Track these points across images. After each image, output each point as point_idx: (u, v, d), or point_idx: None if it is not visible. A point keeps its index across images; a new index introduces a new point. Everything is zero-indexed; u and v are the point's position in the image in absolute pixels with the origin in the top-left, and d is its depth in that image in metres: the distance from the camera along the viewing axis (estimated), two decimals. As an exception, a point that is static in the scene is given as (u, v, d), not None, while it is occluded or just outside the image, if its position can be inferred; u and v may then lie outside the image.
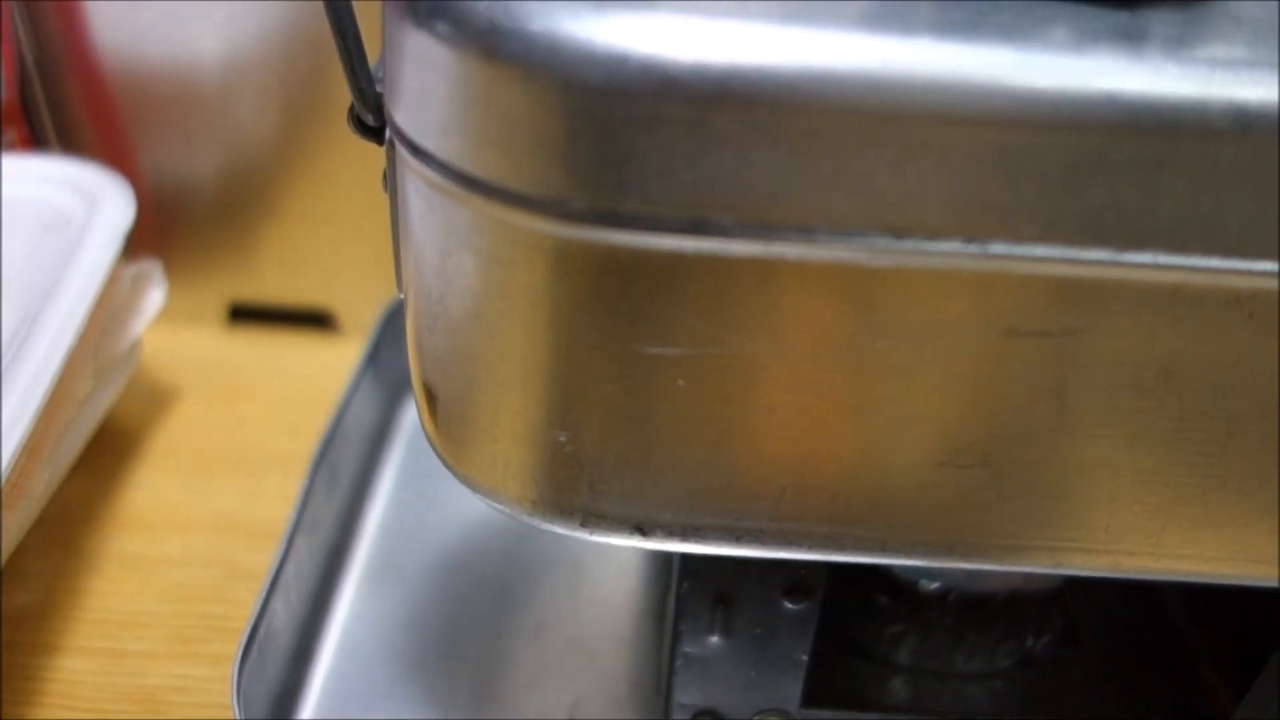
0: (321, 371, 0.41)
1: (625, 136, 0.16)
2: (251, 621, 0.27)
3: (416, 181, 0.19)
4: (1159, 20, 0.16)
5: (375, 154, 0.37)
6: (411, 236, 0.20)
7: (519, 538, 0.35)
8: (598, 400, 0.19)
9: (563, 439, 0.20)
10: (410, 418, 0.39)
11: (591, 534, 0.21)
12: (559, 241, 0.17)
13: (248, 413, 0.39)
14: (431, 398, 0.22)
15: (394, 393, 0.39)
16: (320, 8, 0.19)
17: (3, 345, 0.28)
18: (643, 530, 0.21)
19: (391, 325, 0.38)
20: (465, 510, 0.36)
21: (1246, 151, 0.16)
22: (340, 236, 0.42)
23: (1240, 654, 0.29)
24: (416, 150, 0.18)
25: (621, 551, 0.35)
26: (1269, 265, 0.17)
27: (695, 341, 0.18)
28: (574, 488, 0.20)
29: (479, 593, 0.33)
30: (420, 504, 0.36)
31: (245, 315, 0.43)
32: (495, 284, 0.18)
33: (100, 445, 0.36)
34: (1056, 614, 0.29)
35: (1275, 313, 0.17)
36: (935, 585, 0.27)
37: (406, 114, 0.18)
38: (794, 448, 0.19)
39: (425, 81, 0.17)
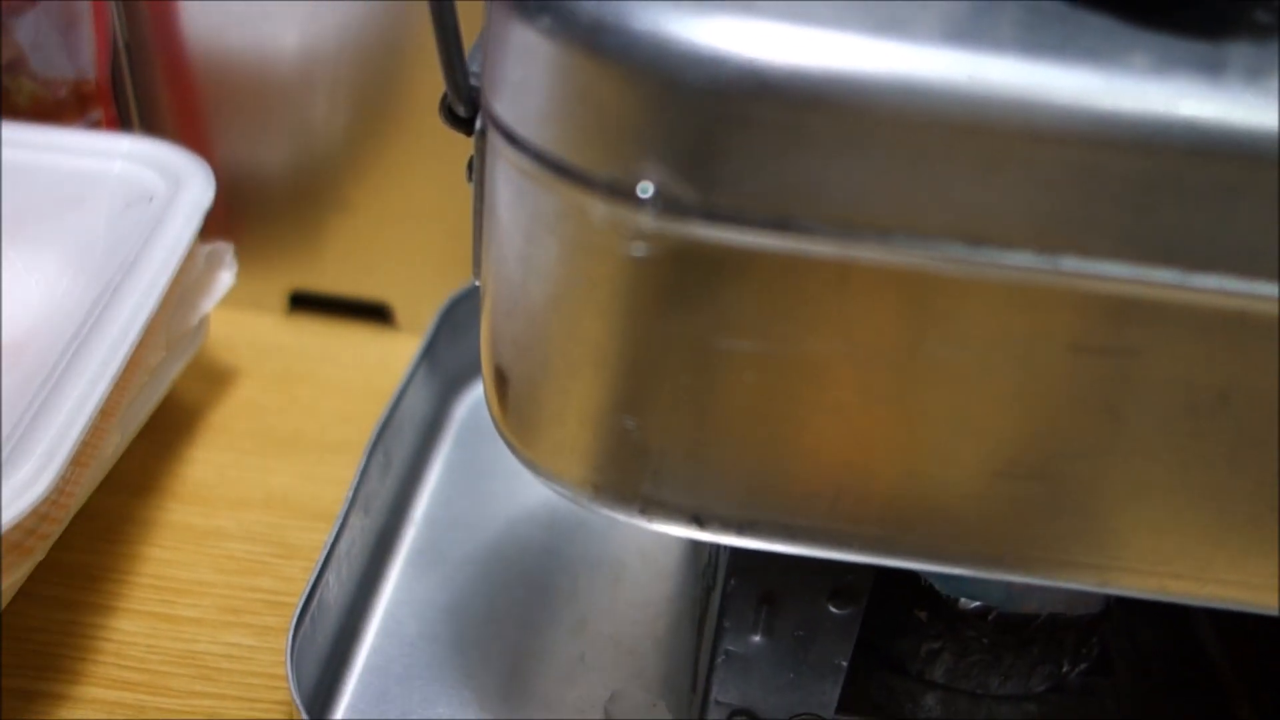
0: (376, 363, 0.42)
1: (719, 135, 0.17)
2: (307, 590, 0.27)
3: (509, 169, 0.20)
4: (1238, 51, 0.17)
5: (443, 154, 0.38)
6: (497, 223, 0.21)
7: (562, 536, 0.36)
8: (668, 389, 0.20)
9: (630, 425, 0.20)
10: (460, 413, 0.40)
11: (649, 521, 0.22)
12: (641, 230, 0.18)
13: (304, 398, 0.40)
14: (502, 381, 0.22)
15: (447, 388, 0.40)
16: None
17: (86, 310, 0.29)
18: (700, 521, 0.21)
19: (448, 322, 0.39)
20: (511, 507, 0.37)
21: (1317, 182, 0.16)
22: (403, 233, 0.43)
23: (1272, 688, 0.29)
24: (513, 139, 0.19)
25: (661, 555, 0.35)
26: (1334, 295, 0.17)
27: (768, 338, 0.19)
28: (636, 474, 0.21)
29: (520, 586, 0.34)
30: (468, 498, 0.37)
31: (305, 304, 0.45)
32: (577, 270, 0.19)
33: (162, 419, 0.37)
34: (1095, 641, 0.29)
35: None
36: (976, 604, 0.27)
37: (506, 104, 0.19)
38: (854, 449, 0.20)
39: (528, 73, 0.18)
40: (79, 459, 0.27)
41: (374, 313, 0.44)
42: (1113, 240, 0.17)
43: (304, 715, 0.25)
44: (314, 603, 0.27)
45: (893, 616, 0.29)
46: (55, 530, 0.27)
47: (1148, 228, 0.17)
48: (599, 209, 0.18)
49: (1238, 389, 0.18)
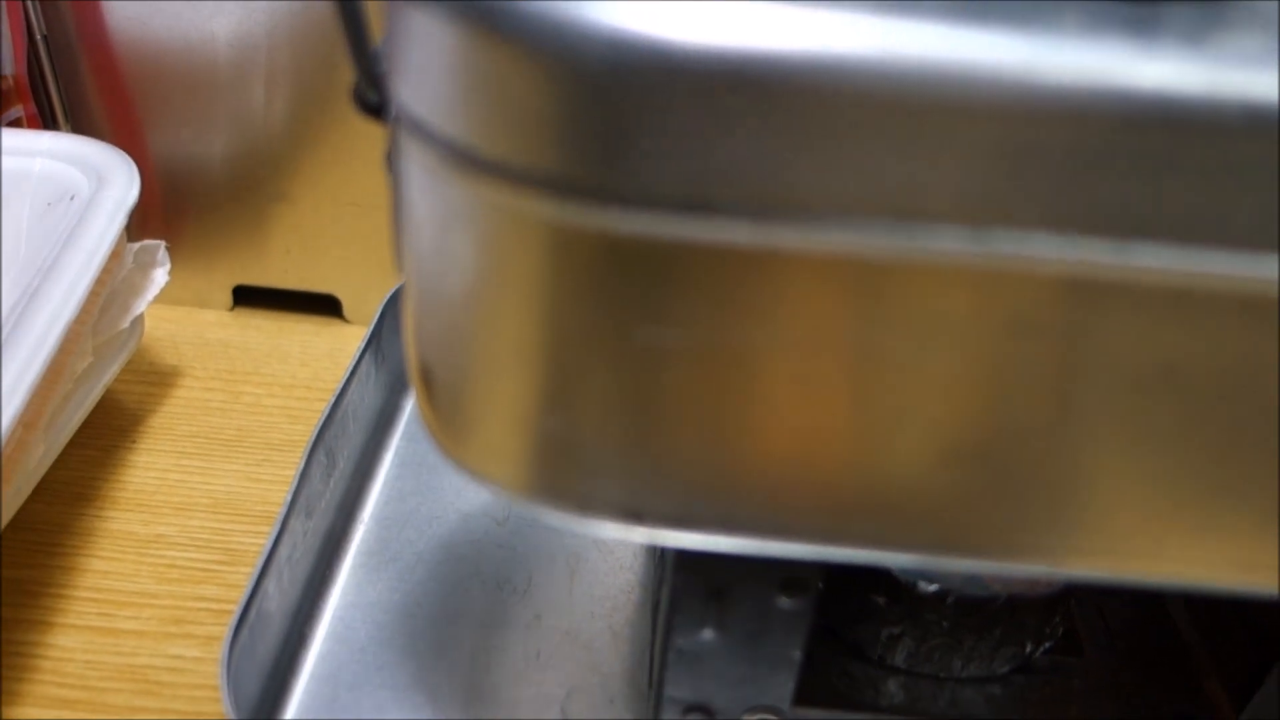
0: (324, 357, 0.41)
1: (627, 118, 0.16)
2: (243, 602, 0.26)
3: (418, 159, 0.18)
4: (1173, 14, 0.16)
5: (384, 141, 0.36)
6: (412, 215, 0.20)
7: (517, 530, 0.35)
8: (593, 385, 0.19)
9: (557, 424, 0.19)
10: (412, 405, 0.39)
11: (585, 520, 0.21)
12: (558, 222, 0.17)
13: (248, 396, 0.39)
14: (428, 380, 0.21)
15: (396, 380, 0.39)
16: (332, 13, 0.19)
17: (3, 317, 0.28)
18: (638, 517, 0.20)
19: (393, 313, 0.38)
20: (464, 501, 0.36)
21: (1256, 148, 0.15)
22: (348, 223, 0.42)
23: (1243, 665, 0.28)
24: (418, 127, 0.18)
25: (619, 546, 0.35)
26: (1273, 265, 0.16)
27: (693, 328, 0.18)
28: (567, 473, 0.20)
29: (474, 583, 0.33)
30: (419, 493, 0.36)
31: (250, 298, 0.43)
32: (493, 264, 0.18)
33: (100, 423, 0.36)
34: (1058, 621, 0.28)
35: (1278, 315, 0.17)
36: (934, 587, 0.27)
37: (409, 91, 0.18)
38: (791, 439, 0.19)
39: (428, 58, 0.17)
40: (3, 474, 0.26)
41: (322, 304, 0.43)
42: (1046, 214, 0.16)
43: (241, 731, 0.24)
44: (251, 614, 0.27)
45: (852, 602, 0.28)
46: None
47: (1080, 198, 0.16)
48: (509, 200, 0.17)
49: (1182, 364, 0.18)
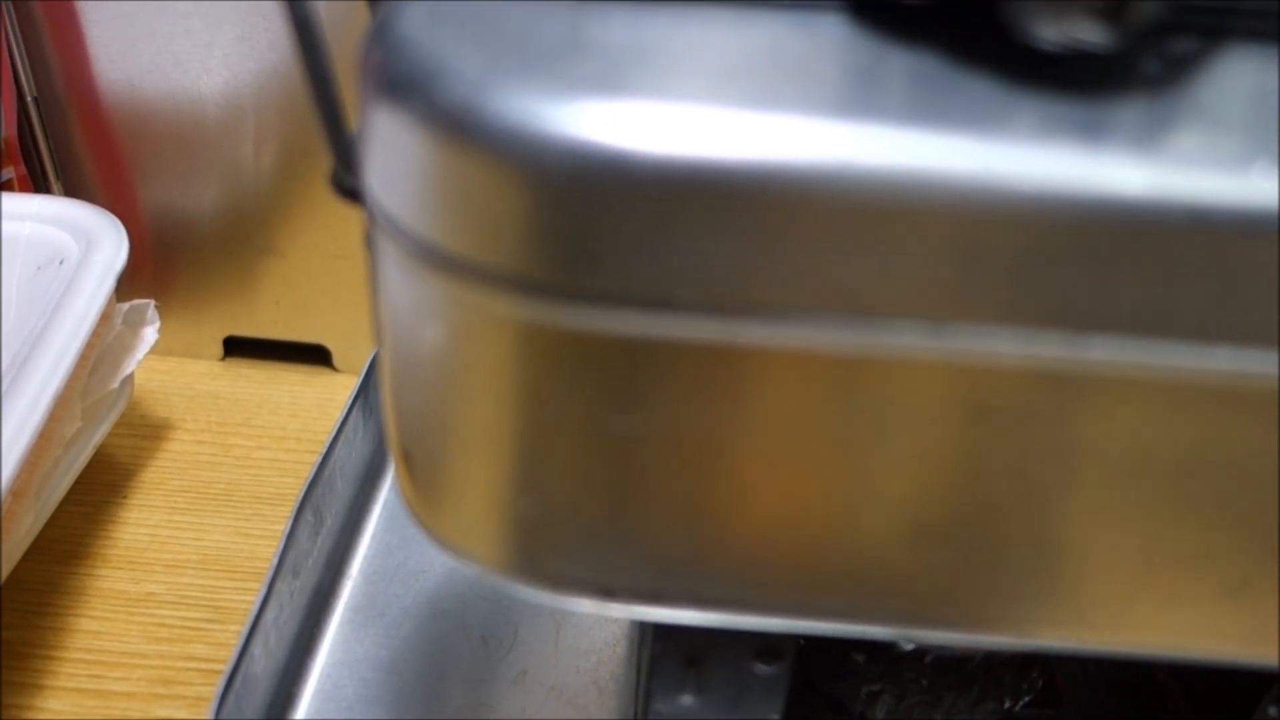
0: (314, 407, 0.42)
1: (588, 222, 0.16)
2: (229, 668, 0.27)
3: (391, 249, 0.19)
4: (1122, 116, 0.16)
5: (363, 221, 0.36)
6: (388, 299, 0.20)
7: (503, 588, 0.35)
8: (563, 470, 0.19)
9: (529, 506, 0.20)
10: (400, 457, 0.39)
11: (559, 597, 0.21)
12: (524, 318, 0.17)
13: (238, 449, 0.40)
14: (406, 456, 0.22)
15: (383, 434, 0.39)
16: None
17: (-8, 387, 0.28)
18: (610, 594, 0.21)
19: (381, 400, 0.38)
20: (450, 558, 0.36)
21: (1201, 247, 0.16)
22: (336, 274, 0.42)
23: (1220, 711, 0.29)
24: (390, 222, 0.18)
25: (605, 597, 0.35)
26: (1224, 354, 0.17)
27: (660, 418, 0.18)
28: (541, 553, 0.20)
29: (460, 638, 0.33)
30: (406, 546, 0.36)
31: (241, 349, 0.44)
32: (463, 355, 0.19)
33: (91, 480, 0.36)
34: (1036, 676, 0.29)
35: (1236, 399, 0.17)
36: (911, 646, 0.27)
37: (380, 186, 0.18)
38: (758, 521, 0.20)
39: (397, 157, 0.18)
40: (-13, 545, 0.26)
41: (311, 354, 0.44)
42: (1002, 310, 0.17)
43: (226, 801, 0.25)
44: (238, 680, 0.27)
45: (832, 659, 0.28)
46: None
47: (1033, 294, 0.16)
48: (477, 296, 0.18)
49: (1141, 447, 0.18)
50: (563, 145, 0.16)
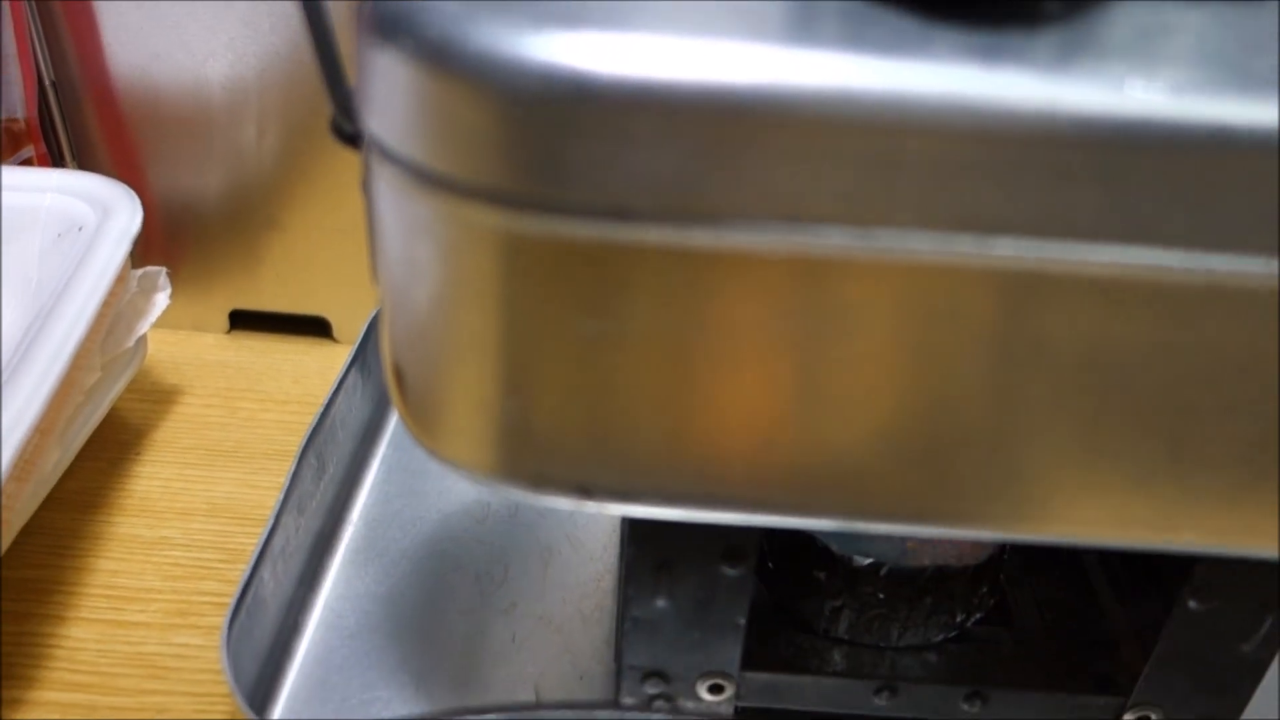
0: (315, 374, 0.44)
1: (554, 137, 0.19)
2: (240, 587, 0.29)
3: (385, 179, 0.21)
4: (1022, 41, 0.19)
5: (359, 168, 0.39)
6: (382, 230, 0.23)
7: (494, 528, 0.37)
8: (541, 371, 0.22)
9: (513, 407, 0.22)
10: (397, 417, 0.42)
11: (540, 495, 0.23)
12: (502, 228, 0.20)
13: (245, 411, 0.42)
14: (401, 377, 0.24)
15: (382, 394, 0.42)
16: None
17: (20, 336, 0.31)
18: (586, 492, 0.23)
19: (378, 331, 0.41)
20: (446, 503, 0.38)
21: (1088, 154, 0.18)
22: (336, 249, 0.45)
23: (1154, 631, 0.31)
24: (385, 152, 0.21)
25: (589, 540, 0.37)
26: (1113, 251, 0.19)
27: (624, 321, 0.21)
28: (523, 452, 0.23)
29: (455, 575, 0.35)
30: (404, 496, 0.38)
31: (246, 322, 0.46)
32: (449, 268, 0.21)
33: (107, 438, 0.38)
34: (985, 591, 0.31)
35: (1126, 295, 0.20)
36: (868, 560, 0.29)
37: (377, 120, 0.21)
38: (719, 418, 0.22)
39: (389, 91, 0.20)
40: (19, 474, 0.28)
41: (313, 326, 0.46)
42: (917, 213, 0.19)
43: (241, 699, 0.27)
44: (249, 598, 0.29)
45: (798, 580, 0.31)
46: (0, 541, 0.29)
47: (942, 200, 0.19)
48: (461, 211, 0.20)
49: (1045, 340, 0.21)
50: (531, 69, 0.18)
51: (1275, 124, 0.18)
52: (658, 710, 0.30)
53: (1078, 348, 0.21)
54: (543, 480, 0.23)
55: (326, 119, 0.42)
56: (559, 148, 0.19)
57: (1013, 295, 0.20)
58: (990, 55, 0.19)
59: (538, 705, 0.31)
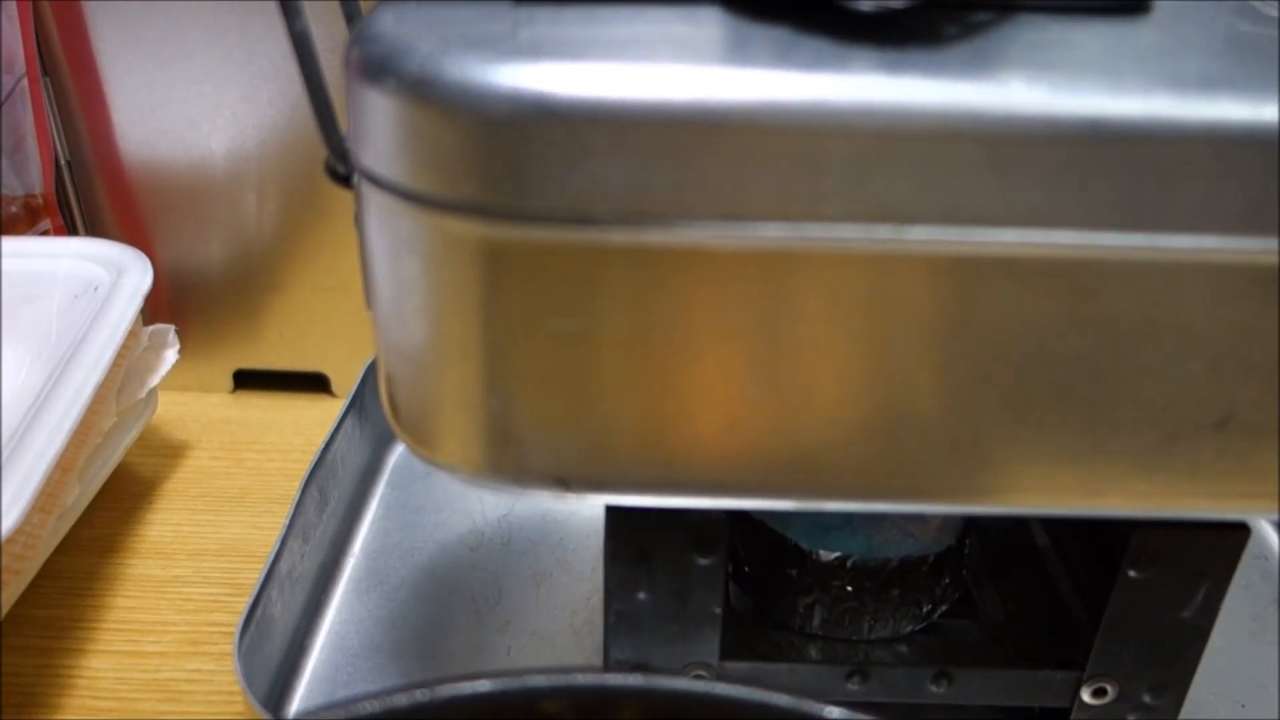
0: (317, 425, 0.46)
1: (521, 153, 0.21)
2: (249, 605, 0.31)
3: (374, 204, 0.24)
4: (923, 56, 0.22)
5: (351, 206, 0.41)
6: (373, 254, 0.25)
7: (489, 555, 0.40)
8: (519, 369, 0.24)
9: (494, 405, 0.25)
10: (394, 460, 0.44)
11: (523, 489, 0.26)
12: (478, 236, 0.23)
13: (250, 461, 0.44)
14: (392, 386, 0.27)
15: (380, 439, 0.44)
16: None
17: (41, 384, 0.33)
18: (565, 483, 0.25)
19: (373, 379, 0.43)
20: (442, 534, 0.40)
21: (980, 146, 0.21)
22: (334, 308, 0.48)
23: (1114, 620, 0.33)
24: (373, 179, 0.24)
25: (579, 563, 0.39)
26: (1010, 234, 0.22)
27: (590, 316, 0.23)
28: (506, 449, 0.25)
29: (452, 599, 0.37)
30: (403, 530, 0.41)
31: (249, 380, 0.49)
32: (433, 277, 0.24)
33: (121, 488, 0.41)
34: (949, 582, 0.33)
35: (1029, 275, 0.22)
36: (835, 554, 0.31)
37: (366, 152, 0.24)
38: (676, 406, 0.24)
39: (377, 123, 0.23)
40: (42, 505, 0.31)
41: (313, 383, 0.49)
42: (840, 207, 0.22)
43: (254, 701, 0.29)
44: (258, 612, 0.31)
45: (773, 581, 0.33)
46: (27, 569, 0.31)
47: (863, 194, 0.22)
48: (441, 223, 0.23)
49: (965, 320, 0.23)
50: (499, 94, 0.21)
51: (1143, 115, 0.21)
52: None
53: (993, 324, 0.23)
54: (524, 475, 0.26)
55: (324, 186, 0.45)
56: (526, 162, 0.22)
57: (931, 278, 0.23)
58: (896, 67, 0.22)
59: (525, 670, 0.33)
